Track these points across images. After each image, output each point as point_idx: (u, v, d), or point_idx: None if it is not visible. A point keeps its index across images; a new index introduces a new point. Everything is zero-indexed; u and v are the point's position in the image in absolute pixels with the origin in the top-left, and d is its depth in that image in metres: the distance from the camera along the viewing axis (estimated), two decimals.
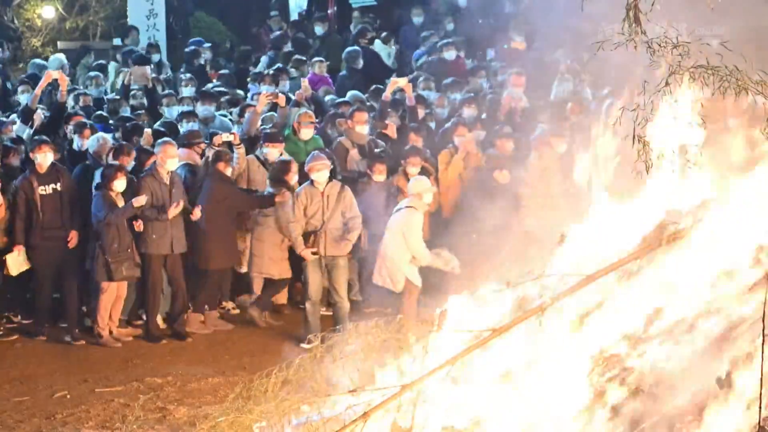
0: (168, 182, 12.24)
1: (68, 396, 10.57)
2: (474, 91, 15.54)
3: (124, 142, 12.70)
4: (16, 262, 12.03)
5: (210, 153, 12.82)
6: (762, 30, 7.43)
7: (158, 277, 12.33)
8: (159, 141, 12.55)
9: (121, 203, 12.02)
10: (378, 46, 18.29)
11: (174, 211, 12.13)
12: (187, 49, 18.36)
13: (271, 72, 16.11)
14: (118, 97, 15.46)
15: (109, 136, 12.84)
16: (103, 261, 11.96)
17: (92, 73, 16.60)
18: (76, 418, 9.96)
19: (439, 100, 15.40)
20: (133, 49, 17.75)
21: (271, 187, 12.71)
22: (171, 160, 12.30)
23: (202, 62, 17.82)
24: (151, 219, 12.15)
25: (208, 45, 18.65)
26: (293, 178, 12.69)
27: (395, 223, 12.25)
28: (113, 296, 12.17)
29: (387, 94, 14.40)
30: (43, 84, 13.75)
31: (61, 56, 17.73)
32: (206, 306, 12.80)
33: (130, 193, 12.13)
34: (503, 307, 7.45)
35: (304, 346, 11.82)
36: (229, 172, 12.70)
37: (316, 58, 17.36)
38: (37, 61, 17.50)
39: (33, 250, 12.10)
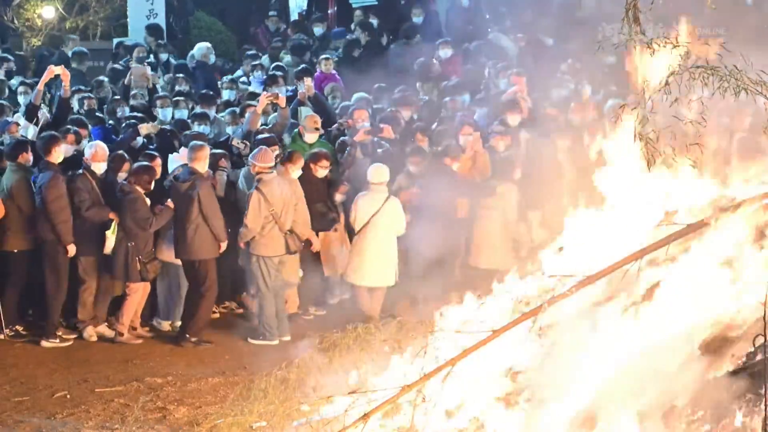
0: None
1: (68, 396, 10.55)
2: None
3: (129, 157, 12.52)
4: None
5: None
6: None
7: (213, 280, 12.29)
8: (191, 144, 12.50)
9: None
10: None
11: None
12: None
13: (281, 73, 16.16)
14: (117, 97, 15.44)
15: (104, 145, 12.54)
16: (136, 262, 12.02)
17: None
18: (76, 418, 9.94)
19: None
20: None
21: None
22: (206, 162, 12.35)
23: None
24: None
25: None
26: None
27: (384, 218, 12.52)
28: (144, 296, 12.28)
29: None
30: (45, 79, 13.67)
31: (206, 45, 17.96)
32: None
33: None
34: (503, 308, 7.46)
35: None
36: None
37: (323, 56, 17.34)
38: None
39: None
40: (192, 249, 12.13)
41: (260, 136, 13.10)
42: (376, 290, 12.71)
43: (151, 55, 17.80)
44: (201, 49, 17.73)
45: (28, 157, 12.21)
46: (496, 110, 14.79)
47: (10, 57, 17.20)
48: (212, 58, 17.70)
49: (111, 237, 12.09)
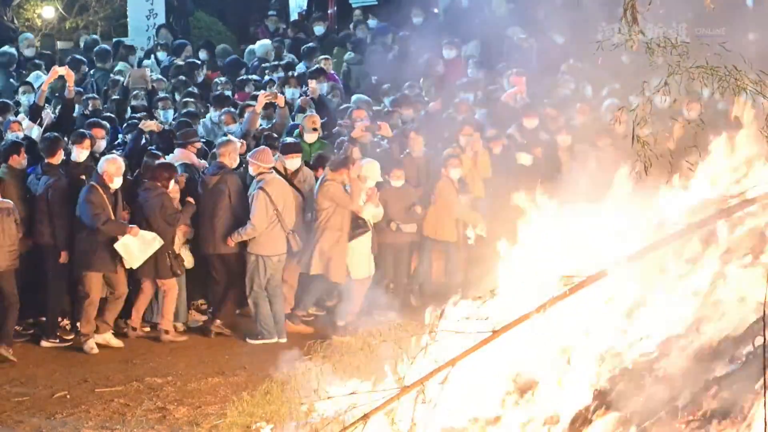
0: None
1: (68, 396, 10.56)
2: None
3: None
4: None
5: None
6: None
7: (237, 273, 12.43)
8: (220, 140, 12.66)
9: None
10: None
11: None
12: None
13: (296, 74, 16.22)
14: (116, 97, 15.46)
15: (122, 160, 12.14)
16: (166, 258, 12.01)
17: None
18: (76, 418, 9.95)
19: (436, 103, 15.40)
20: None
21: None
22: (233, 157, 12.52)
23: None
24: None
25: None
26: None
27: None
28: (148, 296, 12.28)
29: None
30: (49, 80, 13.65)
31: (268, 42, 18.00)
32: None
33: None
34: (503, 308, 7.46)
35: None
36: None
37: (321, 56, 17.34)
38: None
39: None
40: (223, 242, 12.26)
41: (288, 140, 13.14)
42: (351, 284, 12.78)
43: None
44: (265, 46, 17.76)
45: (19, 160, 12.11)
46: (497, 111, 14.84)
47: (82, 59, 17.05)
48: (272, 56, 17.75)
49: (139, 255, 11.89)
